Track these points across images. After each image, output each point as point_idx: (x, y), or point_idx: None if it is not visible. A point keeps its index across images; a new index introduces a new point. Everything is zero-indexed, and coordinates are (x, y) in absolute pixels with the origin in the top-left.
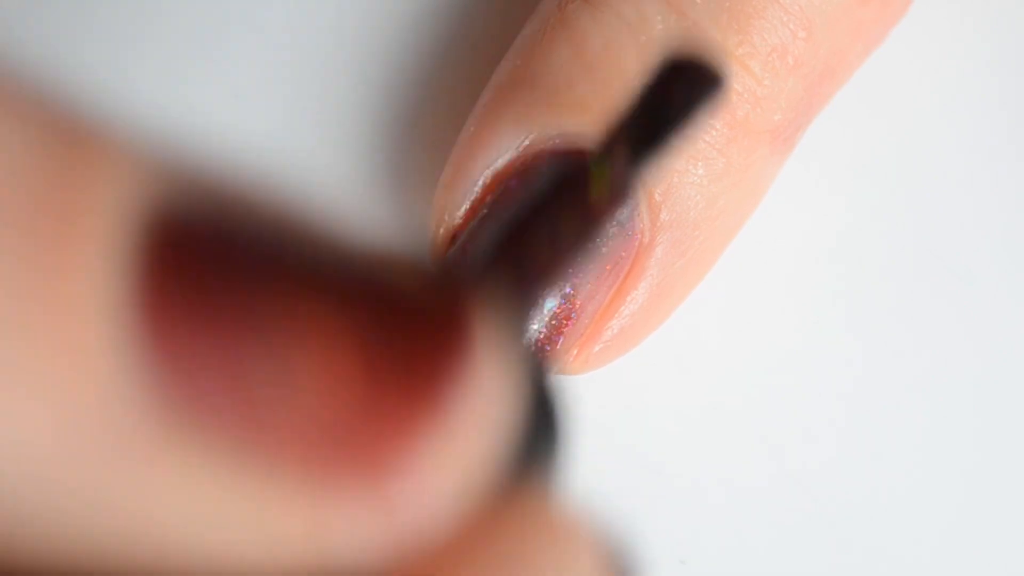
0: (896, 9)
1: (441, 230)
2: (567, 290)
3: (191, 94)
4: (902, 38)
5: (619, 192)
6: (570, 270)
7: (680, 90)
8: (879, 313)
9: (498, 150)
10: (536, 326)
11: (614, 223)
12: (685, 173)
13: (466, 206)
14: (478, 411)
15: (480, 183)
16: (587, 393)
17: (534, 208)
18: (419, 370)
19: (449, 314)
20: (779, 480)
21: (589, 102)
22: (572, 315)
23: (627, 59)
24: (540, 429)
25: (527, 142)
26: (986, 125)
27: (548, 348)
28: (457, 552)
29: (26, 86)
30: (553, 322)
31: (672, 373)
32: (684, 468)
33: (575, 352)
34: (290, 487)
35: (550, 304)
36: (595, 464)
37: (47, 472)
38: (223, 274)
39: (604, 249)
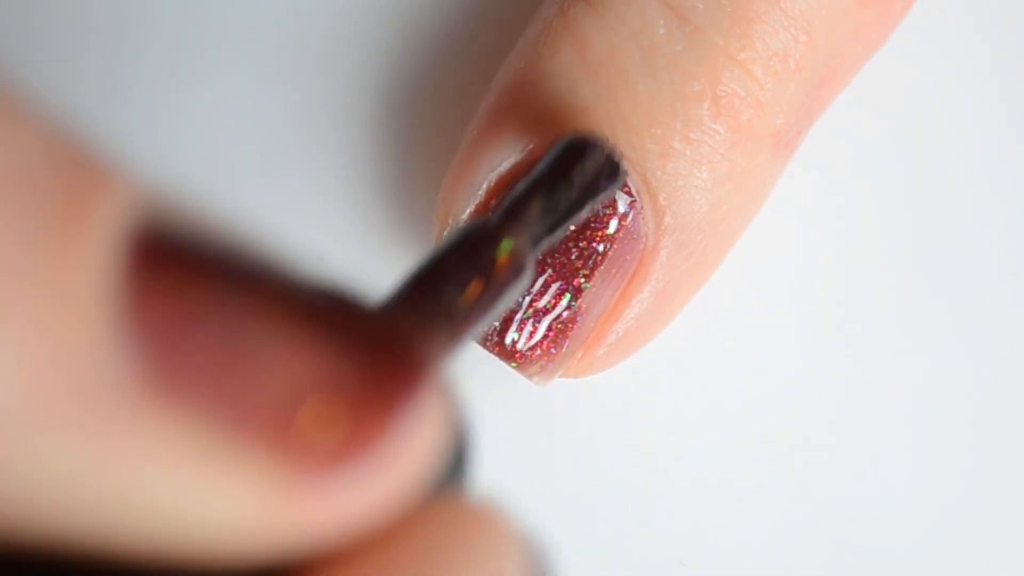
0: (896, 12)
1: (445, 233)
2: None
3: (192, 95)
4: (902, 41)
5: (518, 262)
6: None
7: (580, 172)
8: (880, 315)
9: (502, 153)
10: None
11: (510, 290)
12: (689, 177)
13: (470, 209)
14: (423, 426)
15: (484, 186)
16: (589, 393)
17: (440, 263)
18: (376, 382)
19: (403, 342)
20: (779, 481)
21: (592, 105)
22: (577, 318)
23: (630, 63)
24: (458, 451)
25: (531, 145)
26: (986, 127)
27: (553, 351)
28: (387, 542)
29: (37, 102)
30: (558, 325)
31: (673, 375)
32: (684, 469)
33: (579, 355)
34: (252, 466)
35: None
36: (596, 464)
37: (27, 416)
38: (210, 272)
39: (610, 253)
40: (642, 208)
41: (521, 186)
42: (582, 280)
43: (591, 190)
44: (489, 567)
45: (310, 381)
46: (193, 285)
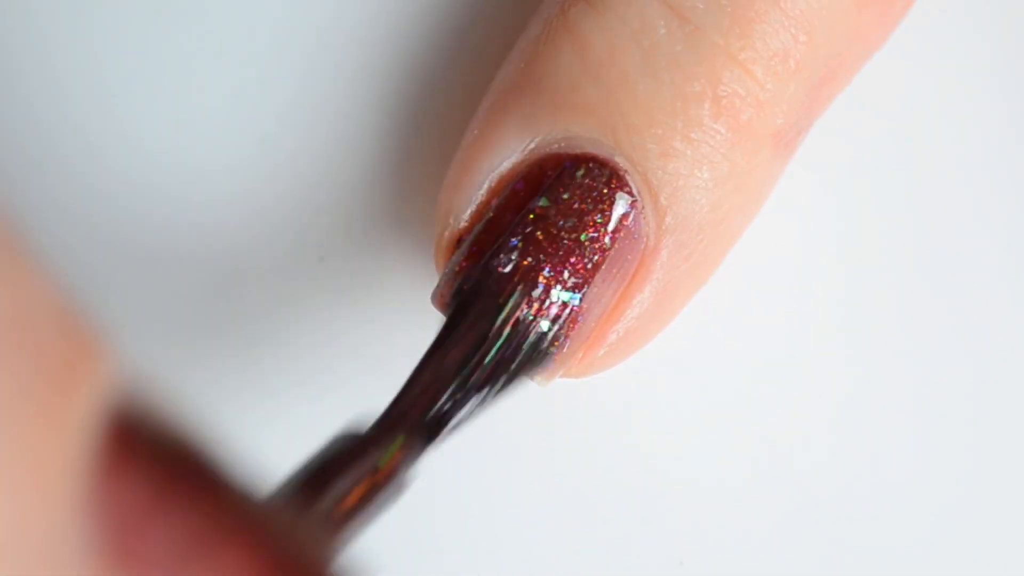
0: (896, 13)
1: (446, 233)
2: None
3: (193, 92)
4: (902, 41)
5: (398, 468)
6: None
7: (486, 350)
8: (880, 315)
9: (503, 153)
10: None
11: (396, 491)
12: (690, 177)
13: (471, 209)
14: None
15: (485, 186)
16: (589, 393)
17: (326, 468)
18: None
19: (311, 557)
20: (778, 481)
21: (593, 105)
22: (578, 318)
23: (630, 63)
24: None
25: (532, 145)
26: (986, 127)
27: (554, 351)
28: None
29: (38, 252)
30: (559, 325)
31: (673, 375)
32: (684, 469)
33: (580, 355)
34: None
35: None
36: (596, 464)
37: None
38: (172, 469)
39: (611, 253)
40: (643, 208)
41: (413, 374)
42: None
43: (506, 368)
44: None
45: None
46: (156, 478)
